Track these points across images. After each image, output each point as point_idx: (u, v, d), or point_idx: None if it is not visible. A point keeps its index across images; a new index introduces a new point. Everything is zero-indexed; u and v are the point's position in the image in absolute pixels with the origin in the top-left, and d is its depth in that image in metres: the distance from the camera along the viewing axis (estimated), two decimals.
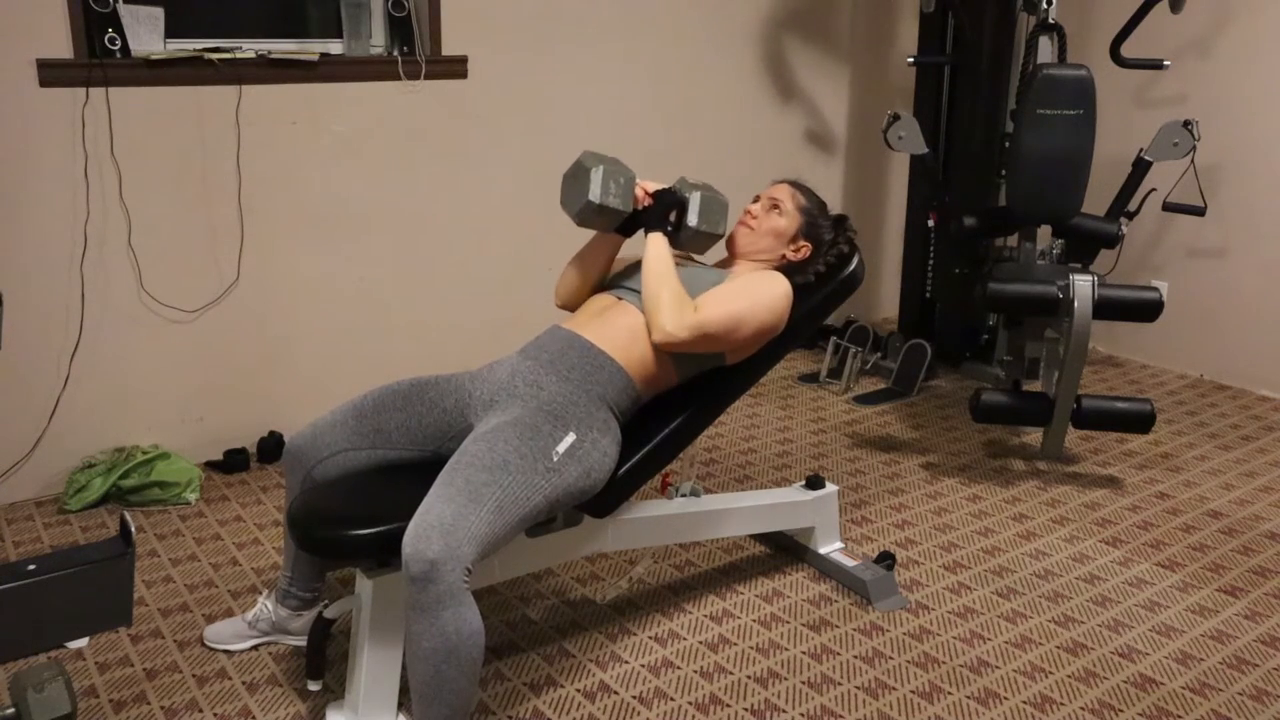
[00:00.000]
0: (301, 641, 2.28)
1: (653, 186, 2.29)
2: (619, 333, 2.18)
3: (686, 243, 2.30)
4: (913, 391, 4.04)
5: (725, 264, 2.47)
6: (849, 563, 2.66)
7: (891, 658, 2.36)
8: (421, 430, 2.12)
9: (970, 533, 2.96)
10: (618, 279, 2.35)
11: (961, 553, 2.84)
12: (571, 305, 2.39)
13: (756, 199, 2.45)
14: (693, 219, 2.27)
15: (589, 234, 2.35)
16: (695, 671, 2.30)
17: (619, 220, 2.25)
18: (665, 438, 2.25)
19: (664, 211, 2.26)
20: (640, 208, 2.27)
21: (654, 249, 2.21)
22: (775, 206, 2.40)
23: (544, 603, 2.57)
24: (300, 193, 3.31)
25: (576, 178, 2.21)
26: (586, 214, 2.20)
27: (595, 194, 2.16)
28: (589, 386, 2.10)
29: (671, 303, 2.14)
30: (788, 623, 2.49)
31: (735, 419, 3.79)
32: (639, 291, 2.24)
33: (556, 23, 3.70)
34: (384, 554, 1.90)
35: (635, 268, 2.33)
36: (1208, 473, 3.38)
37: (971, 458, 3.48)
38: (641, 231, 2.27)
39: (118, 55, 2.93)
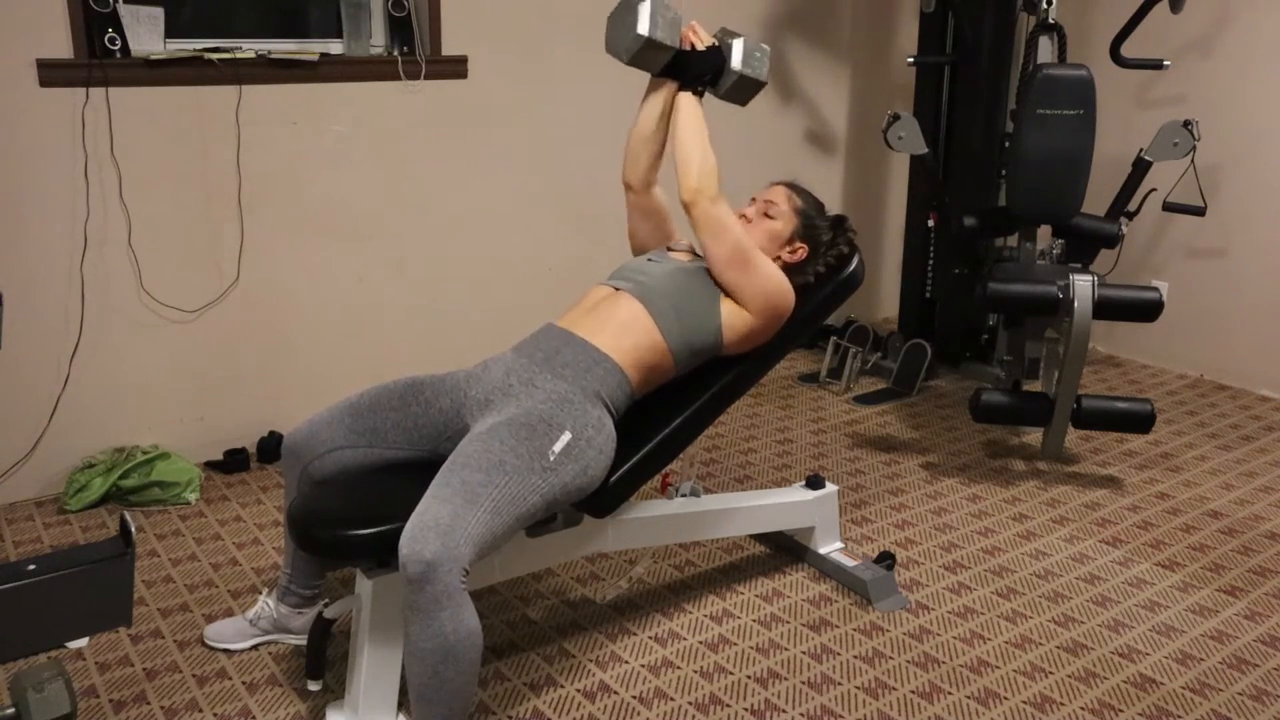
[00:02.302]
0: (302, 640, 2.28)
1: (704, 34, 2.30)
2: (613, 326, 2.18)
3: (730, 92, 2.32)
4: (913, 391, 4.04)
5: None
6: (849, 563, 2.66)
7: (891, 658, 2.36)
8: (418, 430, 2.12)
9: (970, 533, 2.96)
10: (617, 273, 2.35)
11: (961, 553, 2.84)
12: (633, 177, 2.42)
13: (752, 202, 2.45)
14: (735, 63, 2.27)
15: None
16: (695, 671, 2.30)
17: (667, 58, 2.24)
18: (665, 438, 2.25)
19: (701, 70, 2.27)
20: (687, 48, 2.27)
21: (687, 109, 2.25)
22: (771, 208, 2.40)
23: (544, 603, 2.57)
24: (300, 193, 3.31)
25: (624, 15, 2.20)
26: (636, 50, 2.18)
27: (644, 27, 2.15)
28: (584, 384, 2.10)
29: (702, 168, 2.18)
30: (788, 623, 2.49)
31: (735, 419, 3.79)
32: (638, 281, 2.24)
33: (556, 23, 3.70)
34: (383, 554, 1.90)
35: (638, 265, 2.34)
36: (1208, 473, 3.38)
37: (971, 458, 3.48)
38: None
39: (118, 55, 2.93)
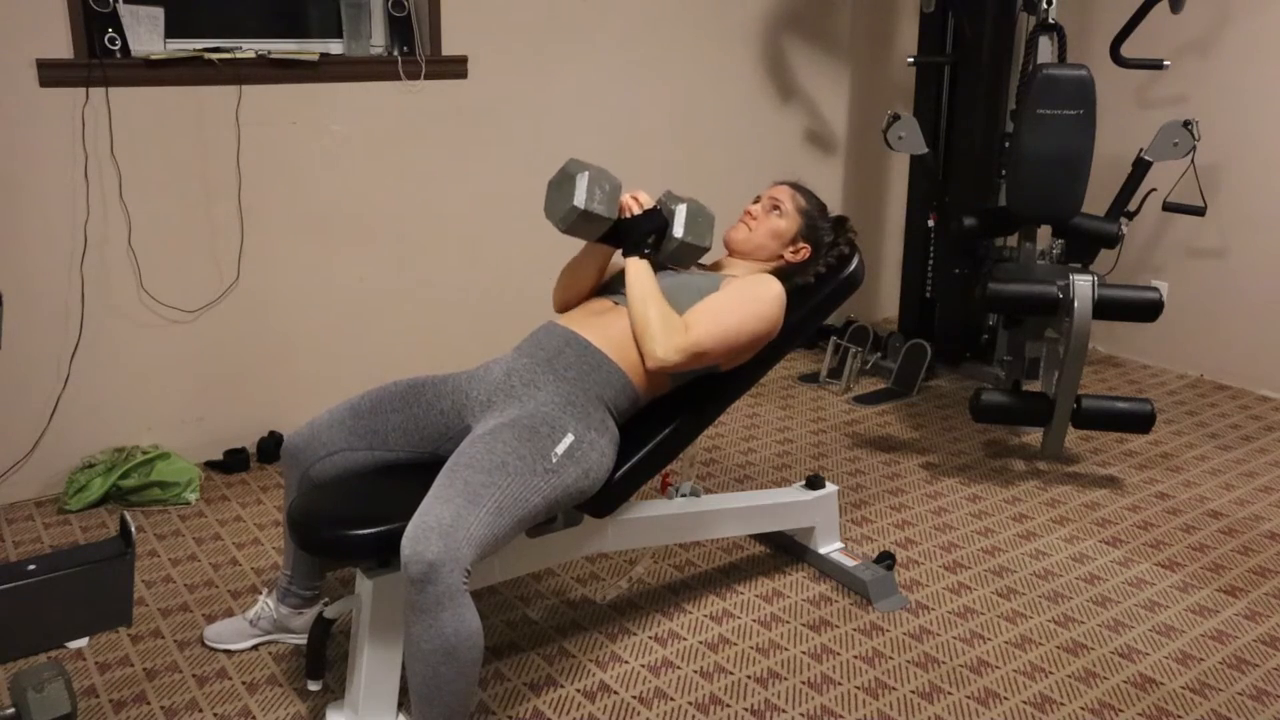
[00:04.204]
0: (302, 640, 2.28)
1: (644, 197, 2.26)
2: (617, 334, 2.17)
3: (672, 257, 2.28)
4: (913, 391, 4.05)
5: (722, 263, 2.47)
6: (849, 563, 2.66)
7: (891, 658, 2.36)
8: (419, 432, 2.12)
9: (970, 533, 2.96)
10: (615, 284, 2.35)
11: (961, 553, 2.84)
12: (569, 310, 2.38)
13: (757, 199, 2.45)
14: (678, 230, 2.24)
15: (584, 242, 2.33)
16: (695, 671, 2.30)
17: (604, 228, 2.21)
18: (665, 438, 2.25)
19: (643, 235, 2.22)
20: (627, 216, 2.23)
21: (634, 272, 2.19)
22: (776, 207, 2.40)
23: (544, 603, 2.57)
24: (300, 193, 3.31)
25: (561, 185, 2.18)
26: (571, 221, 2.16)
27: (580, 200, 2.12)
28: (586, 386, 2.10)
29: (661, 326, 2.12)
30: (788, 623, 2.49)
31: (735, 419, 3.79)
32: None
33: (557, 23, 3.70)
34: (384, 554, 1.90)
35: None
36: (1208, 473, 3.38)
37: (971, 458, 3.48)
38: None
39: (118, 55, 2.93)
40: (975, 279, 3.56)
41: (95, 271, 3.02)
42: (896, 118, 3.66)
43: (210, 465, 3.30)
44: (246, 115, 3.15)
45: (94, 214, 2.98)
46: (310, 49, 3.28)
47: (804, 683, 2.26)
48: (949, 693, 2.23)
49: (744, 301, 2.23)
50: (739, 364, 2.31)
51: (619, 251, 2.30)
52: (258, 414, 3.38)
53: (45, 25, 2.83)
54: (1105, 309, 3.06)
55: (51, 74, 2.84)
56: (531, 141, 3.73)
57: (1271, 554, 2.85)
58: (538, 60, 3.69)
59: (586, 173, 2.15)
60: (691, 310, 2.19)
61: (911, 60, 4.05)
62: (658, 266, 2.26)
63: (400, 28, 3.41)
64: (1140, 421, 3.20)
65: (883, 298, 4.99)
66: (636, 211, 2.23)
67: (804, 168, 4.46)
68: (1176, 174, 3.95)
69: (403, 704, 2.00)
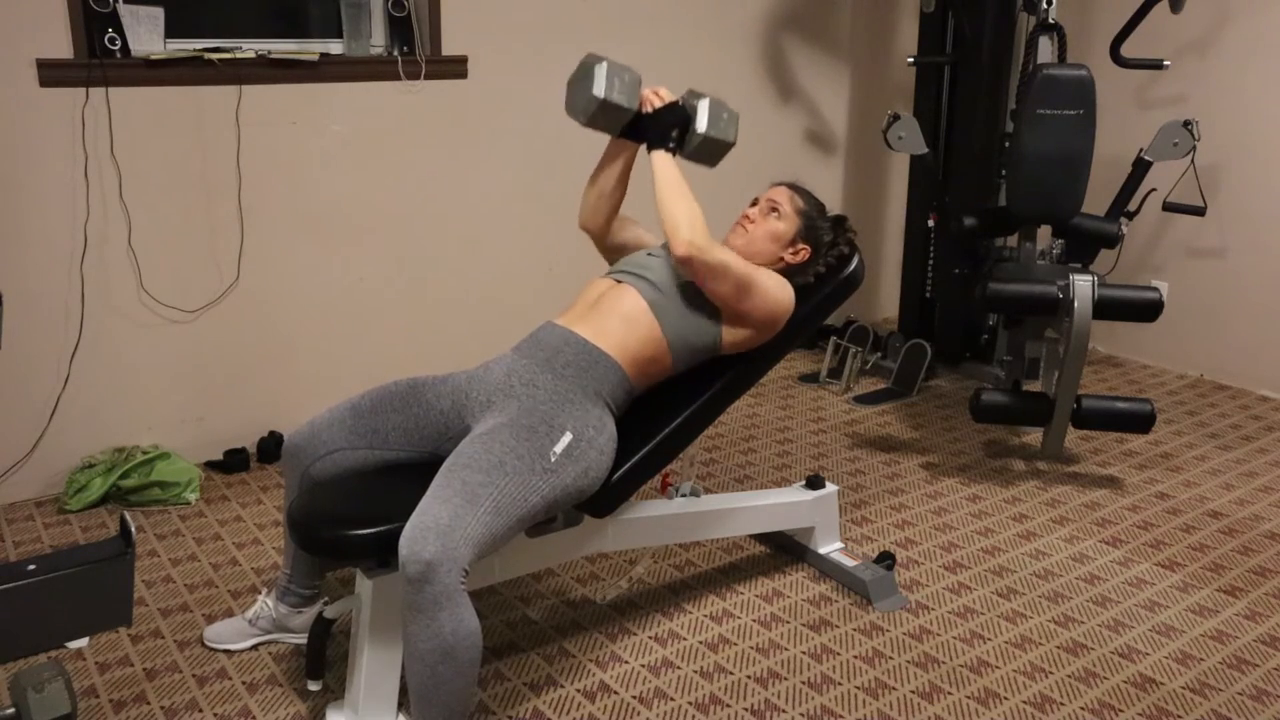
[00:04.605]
0: (302, 640, 2.28)
1: (665, 91, 2.27)
2: (614, 321, 2.18)
3: (696, 153, 2.29)
4: (913, 391, 4.04)
5: None
6: (849, 563, 2.66)
7: (891, 658, 2.36)
8: (419, 432, 2.12)
9: (970, 533, 2.96)
10: (618, 264, 2.35)
11: (961, 553, 2.84)
12: (593, 226, 2.41)
13: (754, 202, 2.45)
14: (701, 125, 2.24)
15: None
16: (695, 671, 2.30)
17: (625, 119, 2.23)
18: (665, 438, 2.25)
19: (666, 127, 2.24)
20: (648, 110, 2.25)
21: (660, 165, 2.21)
22: (774, 209, 2.39)
23: (544, 603, 2.57)
24: (300, 193, 3.31)
25: (581, 79, 2.20)
26: (592, 112, 2.18)
27: (599, 89, 2.15)
28: (585, 383, 2.10)
29: (688, 218, 2.13)
30: (788, 623, 2.49)
31: (735, 419, 3.79)
32: (640, 275, 2.25)
33: (556, 23, 3.70)
34: (384, 554, 1.90)
35: (638, 259, 2.33)
36: (1208, 473, 3.38)
37: (971, 458, 3.48)
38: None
39: (118, 55, 2.93)
40: (975, 279, 3.56)
41: (95, 271, 3.02)
42: (896, 118, 3.66)
43: (210, 465, 3.30)
44: (246, 115, 3.15)
45: (94, 214, 2.98)
46: (310, 49, 3.28)
47: (804, 683, 2.26)
48: (949, 693, 2.23)
49: (760, 270, 2.27)
50: (740, 349, 2.30)
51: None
52: (258, 414, 3.38)
53: (45, 25, 2.83)
54: (1105, 309, 3.06)
55: (51, 74, 2.84)
56: (531, 142, 3.73)
57: (1271, 554, 2.85)
58: (538, 60, 3.69)
59: (605, 63, 2.17)
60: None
61: (911, 60, 4.05)
62: (686, 157, 2.28)
63: (400, 28, 3.41)
64: (1140, 421, 3.20)
65: (883, 298, 4.99)
66: (658, 105, 2.25)
67: (804, 168, 4.46)
68: (1176, 174, 3.95)
69: (403, 704, 2.00)
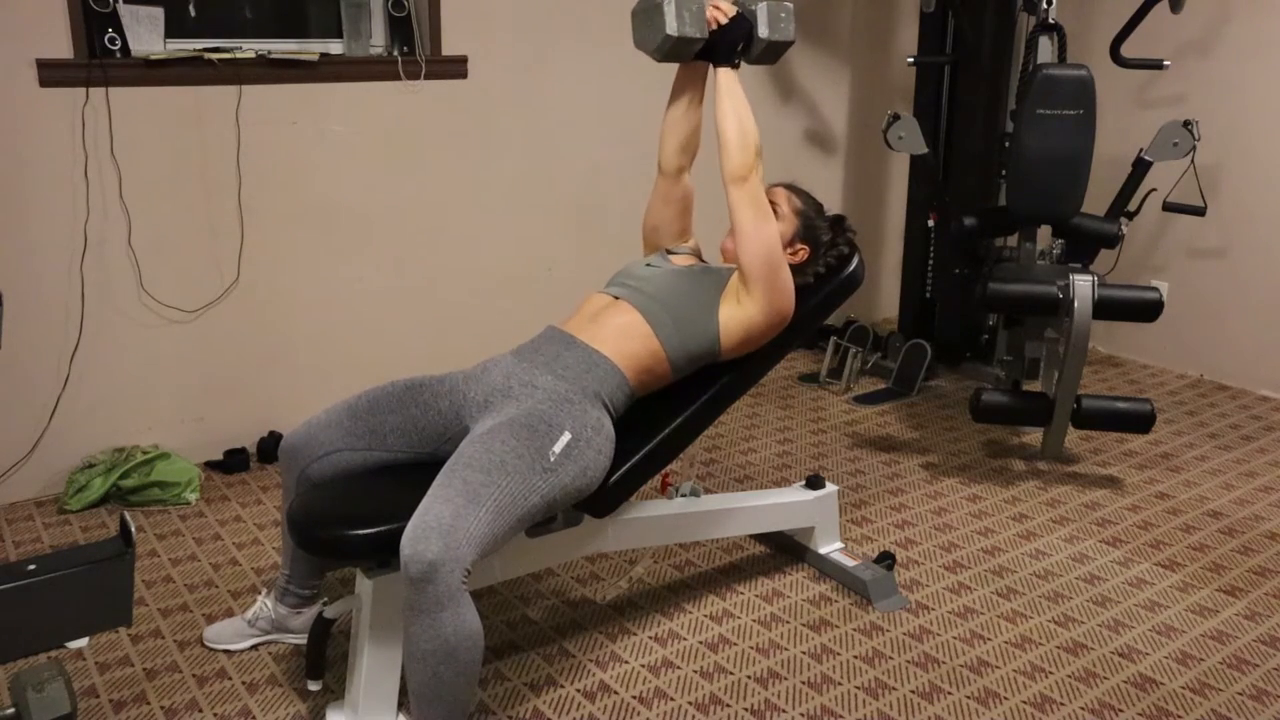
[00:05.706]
0: (302, 640, 2.28)
1: (726, 5, 2.29)
2: (612, 331, 2.18)
3: (761, 57, 2.33)
4: (913, 391, 4.04)
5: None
6: (849, 563, 2.66)
7: (891, 658, 2.36)
8: (417, 432, 2.12)
9: (970, 533, 2.96)
10: (615, 279, 2.35)
11: (961, 553, 2.84)
12: (667, 165, 2.42)
13: None
14: (763, 30, 2.28)
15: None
16: (695, 671, 2.30)
17: (698, 47, 2.26)
18: (665, 438, 2.25)
19: (733, 43, 2.27)
20: (714, 28, 2.27)
21: (726, 85, 2.23)
22: (773, 210, 2.39)
23: (544, 603, 2.57)
24: (300, 193, 3.31)
25: (649, 14, 2.21)
26: (667, 49, 2.21)
27: (673, 26, 2.16)
28: (583, 384, 2.10)
29: (740, 146, 2.17)
30: (788, 623, 2.49)
31: (735, 419, 3.79)
32: (635, 289, 2.25)
33: (556, 23, 3.70)
34: (384, 554, 1.89)
35: (636, 271, 2.33)
36: (1208, 473, 3.38)
37: (971, 458, 3.48)
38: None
39: (118, 55, 2.93)
40: (975, 279, 3.56)
41: (95, 271, 3.02)
42: (896, 118, 3.66)
43: (210, 465, 3.30)
44: (246, 115, 3.15)
45: (94, 214, 2.98)
46: (310, 49, 3.28)
47: (804, 683, 2.26)
48: (949, 693, 2.24)
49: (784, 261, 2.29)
50: (739, 352, 2.29)
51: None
52: (257, 414, 3.38)
53: (45, 25, 2.83)
54: (1105, 309, 3.06)
55: (51, 74, 2.84)
56: (531, 142, 3.73)
57: (1271, 554, 2.85)
58: (538, 60, 3.69)
59: None
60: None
61: (911, 60, 4.05)
62: (751, 62, 2.33)
63: (400, 28, 3.41)
64: (1140, 421, 3.20)
65: (883, 298, 4.99)
66: (723, 21, 2.27)
67: (804, 168, 4.46)
68: (1176, 174, 3.95)
69: (403, 704, 2.00)
